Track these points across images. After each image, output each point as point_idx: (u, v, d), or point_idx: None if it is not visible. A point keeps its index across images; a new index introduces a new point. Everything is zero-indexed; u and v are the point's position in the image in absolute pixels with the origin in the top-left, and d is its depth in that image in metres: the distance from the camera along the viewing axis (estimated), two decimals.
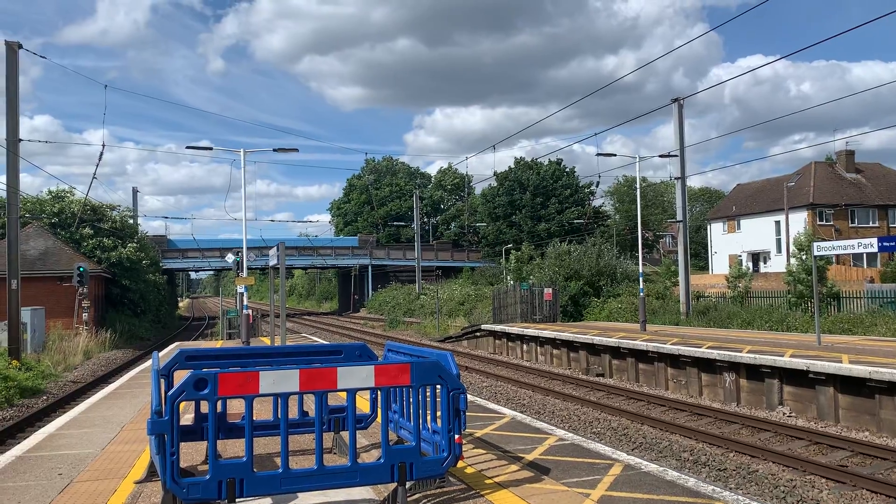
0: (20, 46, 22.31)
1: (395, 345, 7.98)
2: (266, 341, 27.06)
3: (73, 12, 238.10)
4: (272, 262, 20.16)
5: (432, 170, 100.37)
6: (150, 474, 7.01)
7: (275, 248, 18.93)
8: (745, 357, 16.65)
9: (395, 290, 64.19)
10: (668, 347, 19.56)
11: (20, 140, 22.42)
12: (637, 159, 29.51)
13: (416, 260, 65.09)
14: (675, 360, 19.48)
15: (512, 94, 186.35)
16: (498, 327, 31.47)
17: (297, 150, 25.95)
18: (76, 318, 32.74)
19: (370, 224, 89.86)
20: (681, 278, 31.01)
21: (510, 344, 30.34)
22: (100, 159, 26.07)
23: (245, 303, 25.88)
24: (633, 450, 12.88)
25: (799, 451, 12.33)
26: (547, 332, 26.92)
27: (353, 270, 74.46)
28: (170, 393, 5.16)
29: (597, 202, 71.93)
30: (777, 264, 53.59)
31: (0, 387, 18.20)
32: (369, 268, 73.24)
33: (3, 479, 7.28)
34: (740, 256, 57.74)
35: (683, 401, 17.43)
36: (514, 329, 29.62)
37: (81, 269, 31.32)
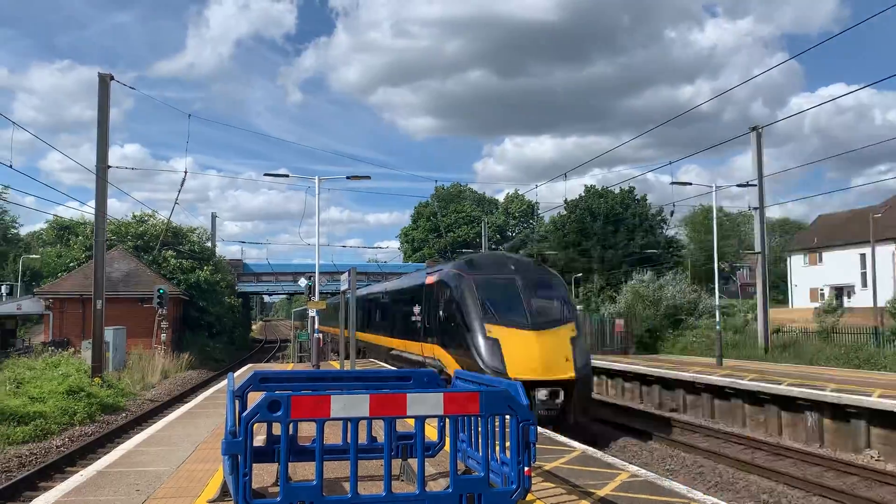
0: (112, 78, 23.46)
1: (463, 372, 7.93)
2: (335, 365, 27.35)
3: (165, 47, 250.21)
4: (343, 286, 20.46)
5: (500, 197, 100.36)
6: (223, 494, 7.12)
7: (346, 273, 19.23)
8: (829, 396, 15.88)
9: None
10: (746, 383, 18.83)
11: (108, 167, 23.52)
12: (714, 188, 28.79)
13: None
14: (752, 397, 18.71)
15: (584, 122, 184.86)
16: None
17: (369, 177, 26.68)
18: (155, 339, 33.86)
19: (437, 251, 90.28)
20: (759, 312, 29.92)
21: None
22: (181, 185, 27.16)
23: (316, 326, 26.25)
24: (708, 489, 12.40)
25: (888, 498, 11.62)
26: (618, 364, 26.33)
27: None
28: (244, 414, 5.24)
29: (670, 231, 70.32)
30: (862, 299, 51.16)
31: (83, 403, 18.97)
32: None
33: (85, 493, 7.54)
34: (822, 290, 55.43)
35: (761, 440, 16.71)
36: None
37: (161, 290, 32.35)
